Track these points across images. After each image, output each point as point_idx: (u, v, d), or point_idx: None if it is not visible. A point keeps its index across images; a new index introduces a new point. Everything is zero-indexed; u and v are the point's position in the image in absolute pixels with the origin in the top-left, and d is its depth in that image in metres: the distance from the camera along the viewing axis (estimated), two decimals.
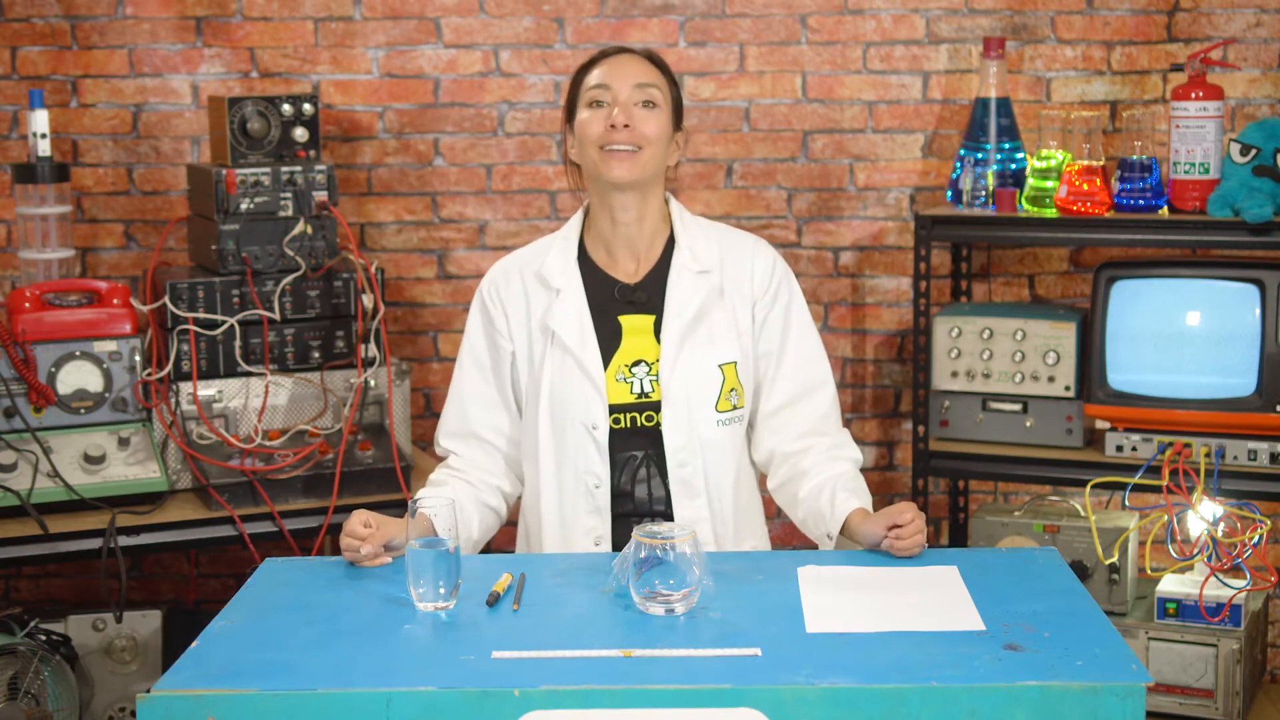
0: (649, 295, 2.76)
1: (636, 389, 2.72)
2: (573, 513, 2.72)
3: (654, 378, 2.72)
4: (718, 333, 2.75)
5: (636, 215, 2.75)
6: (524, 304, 2.78)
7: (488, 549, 3.52)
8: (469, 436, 2.82)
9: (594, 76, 2.74)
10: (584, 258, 2.80)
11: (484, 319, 2.82)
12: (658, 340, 2.73)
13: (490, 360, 2.81)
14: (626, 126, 2.68)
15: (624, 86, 2.71)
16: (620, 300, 2.76)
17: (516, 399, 2.82)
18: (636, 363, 2.73)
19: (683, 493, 2.71)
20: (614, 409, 2.71)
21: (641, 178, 2.70)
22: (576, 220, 2.83)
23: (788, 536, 4.10)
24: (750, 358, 2.78)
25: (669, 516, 2.72)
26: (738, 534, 2.77)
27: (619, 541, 2.70)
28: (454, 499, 2.47)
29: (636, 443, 2.72)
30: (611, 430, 2.71)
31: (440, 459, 2.89)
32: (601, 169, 2.70)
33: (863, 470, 2.58)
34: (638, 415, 2.72)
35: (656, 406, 2.72)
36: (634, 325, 2.75)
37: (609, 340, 2.74)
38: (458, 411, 2.84)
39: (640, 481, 2.73)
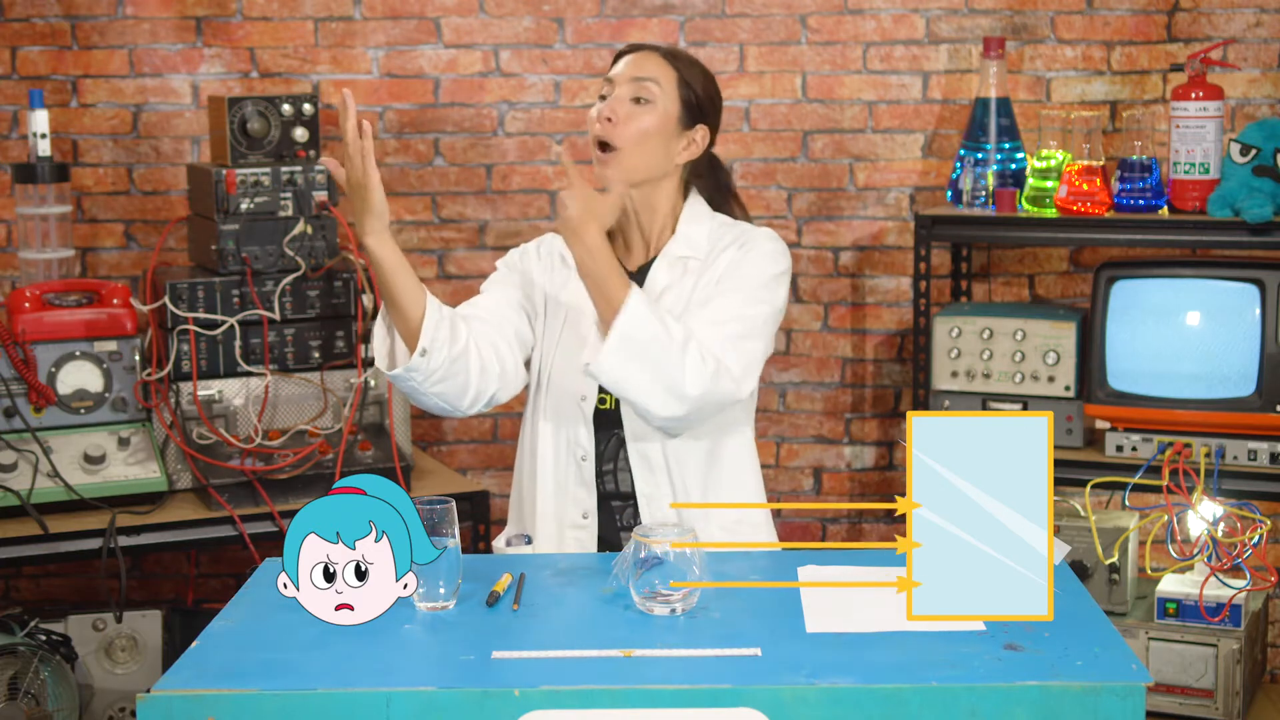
0: (641, 282, 2.78)
1: None
2: (564, 482, 2.77)
3: None
4: (675, 313, 2.71)
5: (643, 205, 2.79)
6: (549, 279, 2.85)
7: (485, 545, 3.52)
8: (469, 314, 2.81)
9: (611, 72, 2.79)
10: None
11: (522, 264, 2.87)
12: None
13: (513, 289, 2.84)
14: (609, 120, 2.72)
15: (623, 80, 2.75)
16: None
17: (517, 337, 2.83)
18: None
19: (643, 467, 2.74)
20: (602, 386, 2.72)
21: (624, 179, 2.72)
22: None
23: (786, 536, 4.09)
24: None
25: (635, 497, 2.75)
26: (706, 513, 2.76)
27: (604, 520, 2.76)
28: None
29: (618, 422, 2.76)
30: (599, 410, 2.75)
31: None
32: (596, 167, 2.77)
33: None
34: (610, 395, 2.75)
35: None
36: None
37: None
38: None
39: (609, 459, 2.77)
